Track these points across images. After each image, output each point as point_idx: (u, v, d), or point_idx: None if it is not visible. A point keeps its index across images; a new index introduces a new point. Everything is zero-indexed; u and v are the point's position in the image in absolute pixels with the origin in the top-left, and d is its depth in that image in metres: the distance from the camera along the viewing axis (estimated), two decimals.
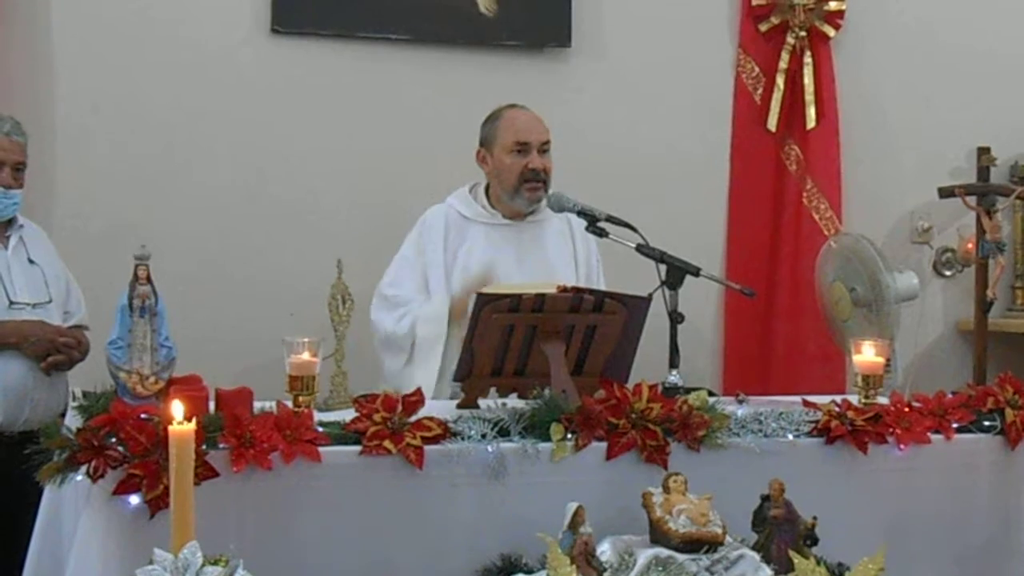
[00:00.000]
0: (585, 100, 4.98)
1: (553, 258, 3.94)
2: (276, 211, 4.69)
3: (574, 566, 2.56)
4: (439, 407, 2.99)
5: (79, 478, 2.53)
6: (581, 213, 3.57)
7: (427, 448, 2.75)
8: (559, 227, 3.98)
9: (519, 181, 3.88)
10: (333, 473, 2.70)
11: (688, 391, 3.16)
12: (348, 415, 2.82)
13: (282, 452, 2.64)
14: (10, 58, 4.42)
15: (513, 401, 3.09)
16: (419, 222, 4.00)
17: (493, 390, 3.23)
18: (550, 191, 3.82)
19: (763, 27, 5.15)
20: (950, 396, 3.28)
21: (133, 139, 4.57)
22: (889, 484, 3.11)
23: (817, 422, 3.06)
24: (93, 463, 2.50)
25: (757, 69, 5.16)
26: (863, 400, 3.21)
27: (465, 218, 3.96)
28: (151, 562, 2.29)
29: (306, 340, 2.99)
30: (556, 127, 4.55)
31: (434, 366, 3.74)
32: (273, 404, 2.82)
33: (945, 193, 4.98)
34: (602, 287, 3.87)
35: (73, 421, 2.77)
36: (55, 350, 3.64)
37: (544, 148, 3.90)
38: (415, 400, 2.83)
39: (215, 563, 2.31)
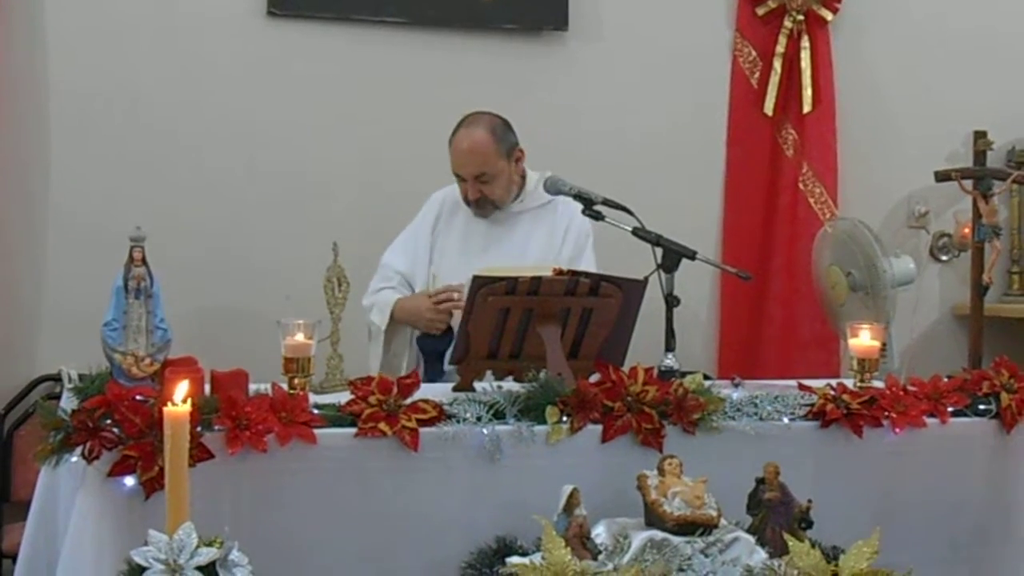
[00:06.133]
0: (582, 83, 4.97)
1: (523, 249, 3.96)
2: (272, 193, 4.69)
3: (569, 548, 2.56)
4: (435, 390, 2.99)
5: (74, 459, 2.53)
6: (577, 196, 3.56)
7: (422, 430, 2.75)
8: (540, 216, 4.01)
9: (464, 202, 3.97)
10: (328, 455, 2.70)
11: (684, 374, 3.16)
12: (343, 397, 2.82)
13: (277, 434, 2.64)
14: (5, 45, 4.41)
15: (509, 384, 3.08)
16: (427, 199, 4.11)
17: (489, 373, 3.23)
18: (547, 175, 3.81)
19: (760, 11, 5.14)
20: (946, 380, 3.28)
21: (128, 122, 4.56)
22: (884, 468, 3.11)
23: (812, 405, 3.06)
24: (88, 444, 2.50)
25: (754, 53, 5.15)
26: (858, 384, 3.21)
27: (457, 202, 4.01)
28: (146, 543, 2.29)
29: (301, 322, 2.99)
30: (553, 110, 4.55)
31: (377, 353, 3.88)
32: (268, 386, 2.82)
33: (941, 177, 4.97)
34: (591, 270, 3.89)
35: (68, 402, 2.76)
36: None
37: (482, 179, 3.89)
38: (410, 383, 2.83)
39: (210, 544, 2.32)
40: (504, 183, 3.92)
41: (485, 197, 3.91)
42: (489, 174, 3.88)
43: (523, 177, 4.02)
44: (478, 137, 3.88)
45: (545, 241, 3.98)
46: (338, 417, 2.75)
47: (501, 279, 3.12)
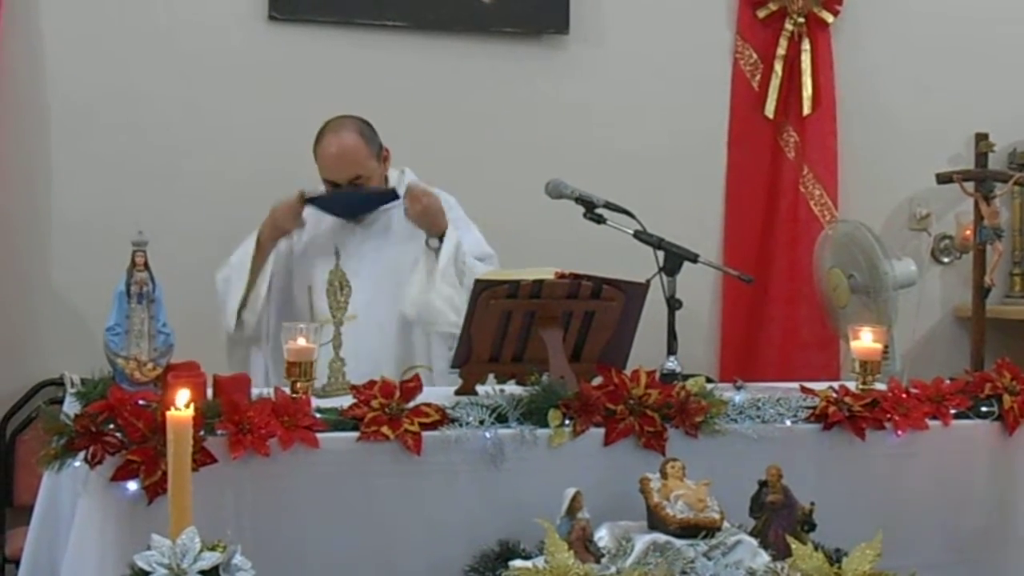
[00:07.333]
0: (583, 86, 4.97)
1: (396, 245, 3.93)
2: (273, 197, 4.66)
3: (572, 551, 2.56)
4: (437, 394, 2.99)
5: (77, 464, 2.53)
6: (579, 200, 3.57)
7: (425, 434, 2.75)
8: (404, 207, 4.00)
9: None
10: (331, 459, 2.70)
11: (686, 377, 3.16)
12: (346, 401, 2.82)
13: (280, 438, 2.64)
14: (4, 50, 4.41)
15: (511, 387, 3.08)
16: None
17: (491, 376, 3.23)
18: (549, 180, 3.81)
19: (761, 13, 5.14)
20: (948, 382, 3.28)
21: (130, 127, 4.56)
22: (886, 470, 3.11)
23: (815, 408, 3.06)
24: (91, 449, 2.50)
25: (755, 55, 5.15)
26: (861, 386, 3.21)
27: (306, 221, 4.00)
28: (149, 548, 2.29)
29: (304, 326, 2.99)
30: (554, 113, 4.53)
31: (239, 287, 3.87)
32: (271, 390, 2.82)
33: (943, 179, 4.97)
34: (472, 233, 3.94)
35: (71, 407, 2.77)
36: None
37: (356, 182, 3.87)
38: (413, 386, 2.83)
39: (213, 549, 2.31)
40: (378, 184, 3.92)
41: None
42: (364, 176, 3.87)
43: (386, 178, 4.01)
44: (348, 141, 3.86)
45: (414, 232, 3.94)
46: (340, 421, 2.75)
47: (503, 282, 3.12)
